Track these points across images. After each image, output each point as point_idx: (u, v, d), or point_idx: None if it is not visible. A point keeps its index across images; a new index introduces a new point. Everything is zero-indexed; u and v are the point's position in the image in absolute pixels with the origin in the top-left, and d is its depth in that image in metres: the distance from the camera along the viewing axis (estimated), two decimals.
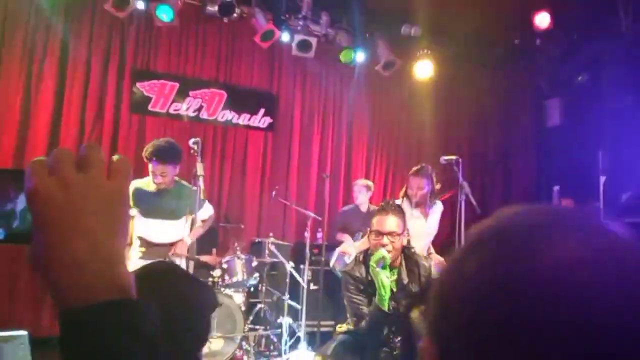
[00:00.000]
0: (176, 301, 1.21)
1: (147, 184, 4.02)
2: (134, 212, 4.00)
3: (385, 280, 2.73)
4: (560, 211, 0.48)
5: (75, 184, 0.52)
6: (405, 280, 2.85)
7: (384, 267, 2.77)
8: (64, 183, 0.52)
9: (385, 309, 2.73)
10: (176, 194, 4.01)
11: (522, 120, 7.65)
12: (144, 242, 4.03)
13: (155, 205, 3.98)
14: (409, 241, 3.03)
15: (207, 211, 4.32)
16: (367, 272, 2.87)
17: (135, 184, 4.03)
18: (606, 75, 5.97)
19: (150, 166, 3.94)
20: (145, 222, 4.01)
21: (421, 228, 4.24)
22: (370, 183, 5.67)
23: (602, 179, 5.26)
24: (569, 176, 6.39)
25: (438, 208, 4.55)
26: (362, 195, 5.48)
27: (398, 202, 4.51)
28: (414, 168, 4.45)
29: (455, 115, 7.32)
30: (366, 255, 2.95)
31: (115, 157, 0.57)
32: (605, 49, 5.88)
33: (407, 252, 2.95)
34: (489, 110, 7.48)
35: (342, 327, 3.13)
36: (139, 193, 4.00)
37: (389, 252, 2.80)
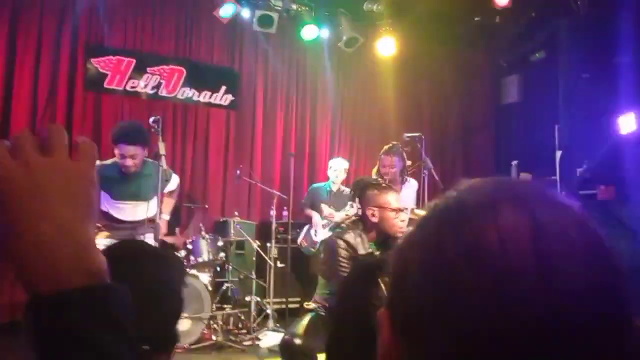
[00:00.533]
0: (149, 281, 1.19)
1: (111, 166, 3.82)
2: None
3: None
4: (515, 185, 0.48)
5: (39, 167, 0.50)
6: None
7: None
8: (27, 166, 0.49)
9: None
10: (145, 175, 3.85)
11: (481, 97, 7.80)
12: (112, 219, 3.90)
13: (123, 188, 3.82)
14: None
15: (174, 181, 4.23)
16: (358, 241, 2.81)
17: (102, 166, 3.81)
18: (562, 52, 6.13)
19: (117, 150, 3.73)
20: (113, 203, 3.87)
21: None
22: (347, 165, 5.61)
23: (558, 153, 5.43)
24: (527, 151, 6.57)
25: (412, 185, 4.62)
26: (341, 177, 5.43)
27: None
28: (386, 147, 4.50)
29: (416, 92, 7.38)
30: (356, 224, 2.90)
31: (79, 139, 0.55)
32: (563, 28, 6.02)
33: None
34: (449, 87, 7.57)
35: (310, 305, 3.08)
36: (104, 175, 3.78)
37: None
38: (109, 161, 3.88)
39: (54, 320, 0.47)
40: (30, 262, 0.48)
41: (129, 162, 3.72)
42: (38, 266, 0.48)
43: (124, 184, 3.82)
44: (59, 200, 0.50)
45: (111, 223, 3.88)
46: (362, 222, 2.90)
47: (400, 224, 2.83)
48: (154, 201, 3.74)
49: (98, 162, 3.76)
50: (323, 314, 2.93)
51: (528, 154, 6.65)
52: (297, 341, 2.75)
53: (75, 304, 0.47)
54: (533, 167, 6.54)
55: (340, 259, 2.76)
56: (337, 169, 5.42)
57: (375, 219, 2.85)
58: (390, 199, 2.87)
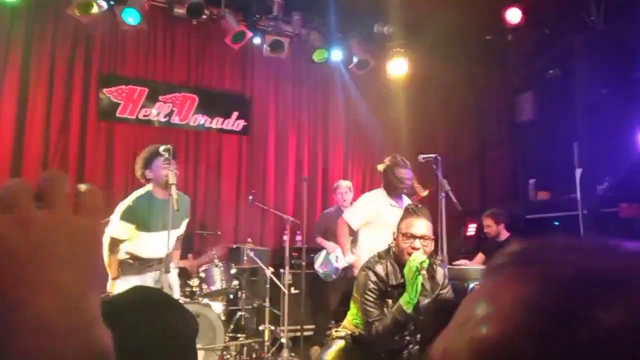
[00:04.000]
0: (168, 335, 1.13)
1: (144, 197, 3.64)
2: (126, 233, 3.63)
3: (420, 285, 2.64)
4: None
5: (36, 223, 0.41)
6: (428, 286, 2.75)
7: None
8: (22, 222, 0.41)
9: (409, 312, 2.63)
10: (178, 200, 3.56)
11: (496, 115, 7.69)
12: (134, 259, 3.73)
13: (156, 218, 3.63)
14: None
15: (183, 226, 4.06)
16: (390, 271, 2.76)
17: (133, 196, 3.67)
18: (578, 68, 6.02)
19: (156, 164, 3.60)
20: (143, 238, 3.65)
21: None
22: (351, 184, 5.61)
23: (578, 171, 5.28)
24: (545, 169, 6.43)
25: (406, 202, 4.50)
26: (348, 196, 5.39)
27: (377, 191, 4.44)
28: (399, 159, 4.38)
29: (430, 113, 7.30)
30: (388, 253, 2.85)
31: (82, 187, 0.46)
32: (577, 43, 5.92)
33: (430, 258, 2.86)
34: (463, 107, 7.49)
35: (340, 332, 2.96)
36: (144, 207, 3.60)
37: None
38: (141, 191, 3.71)
39: None
40: (28, 346, 0.39)
41: (173, 167, 3.55)
42: (37, 350, 0.39)
43: (154, 211, 3.64)
44: (60, 264, 0.41)
45: (137, 263, 3.74)
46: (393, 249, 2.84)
47: (411, 251, 2.73)
48: (172, 234, 3.58)
49: (133, 196, 3.62)
50: (351, 342, 2.84)
51: (546, 172, 6.51)
52: None
53: None
54: (551, 185, 6.39)
55: (368, 292, 2.72)
56: (342, 191, 5.36)
57: (393, 244, 2.82)
58: (407, 223, 2.80)
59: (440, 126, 7.41)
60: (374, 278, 2.73)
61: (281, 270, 5.11)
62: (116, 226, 3.57)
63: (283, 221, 5.42)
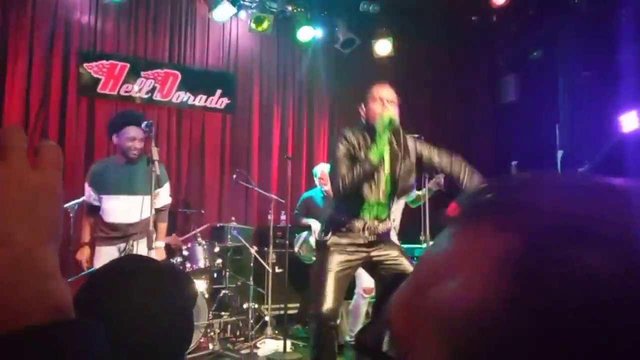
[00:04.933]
0: (159, 302, 1.10)
1: (106, 161, 3.83)
2: (95, 197, 3.76)
3: (386, 139, 2.88)
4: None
5: None
6: (398, 152, 3.00)
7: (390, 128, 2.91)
8: None
9: (375, 162, 2.85)
10: (139, 166, 3.71)
11: (479, 97, 7.72)
12: (105, 225, 3.76)
13: (115, 178, 3.70)
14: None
15: (166, 194, 4.05)
16: (361, 144, 2.96)
17: (95, 164, 3.88)
18: (561, 51, 6.05)
19: (126, 134, 3.63)
20: (106, 200, 3.73)
21: None
22: None
23: (560, 153, 5.35)
24: (527, 151, 6.49)
25: None
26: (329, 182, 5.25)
27: None
28: None
29: (414, 93, 7.29)
30: (361, 125, 3.06)
31: (42, 142, 0.45)
32: (561, 25, 5.95)
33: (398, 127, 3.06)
34: (447, 88, 7.50)
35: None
36: (105, 170, 3.73)
37: None
38: (103, 159, 3.93)
39: None
40: None
41: (139, 144, 3.66)
42: None
43: (116, 174, 3.71)
44: (15, 218, 0.40)
45: (106, 232, 3.77)
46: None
47: (382, 112, 2.93)
48: (147, 201, 3.57)
49: (97, 162, 3.74)
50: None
51: (528, 154, 6.56)
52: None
53: (32, 345, 0.38)
54: (533, 167, 6.44)
55: (338, 150, 2.95)
56: (323, 176, 5.19)
57: (362, 114, 3.06)
58: (375, 90, 3.04)
59: (424, 107, 7.41)
60: (344, 142, 2.96)
61: (265, 249, 5.12)
62: (86, 191, 3.80)
63: (267, 200, 5.41)
